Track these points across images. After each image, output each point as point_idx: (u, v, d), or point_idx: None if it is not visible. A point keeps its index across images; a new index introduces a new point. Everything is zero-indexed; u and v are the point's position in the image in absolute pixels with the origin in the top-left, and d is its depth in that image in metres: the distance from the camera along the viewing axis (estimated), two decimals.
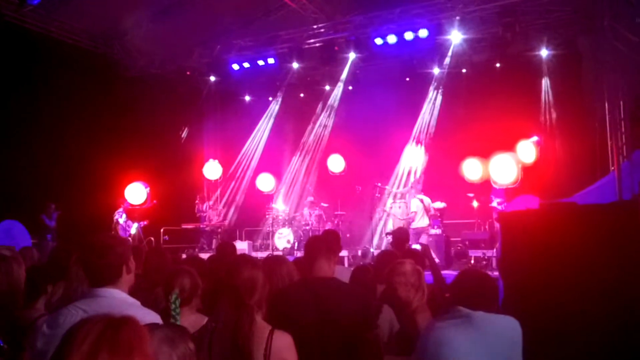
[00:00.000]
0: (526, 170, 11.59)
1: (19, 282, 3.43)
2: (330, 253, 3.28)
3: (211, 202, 15.37)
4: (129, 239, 12.78)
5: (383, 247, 11.79)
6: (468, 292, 2.89)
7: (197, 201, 14.63)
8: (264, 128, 15.87)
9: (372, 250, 11.62)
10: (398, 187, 13.57)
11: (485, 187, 12.19)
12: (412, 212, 11.88)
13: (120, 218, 12.83)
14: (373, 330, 3.14)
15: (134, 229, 12.88)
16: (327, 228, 12.93)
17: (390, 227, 12.31)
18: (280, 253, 12.61)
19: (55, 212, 11.57)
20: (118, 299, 2.45)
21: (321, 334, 2.94)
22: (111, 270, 2.50)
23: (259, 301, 2.58)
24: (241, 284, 2.58)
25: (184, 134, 15.35)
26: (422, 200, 11.85)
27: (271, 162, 15.83)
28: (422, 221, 11.68)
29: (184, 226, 14.21)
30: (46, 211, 11.48)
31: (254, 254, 13.32)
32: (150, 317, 2.38)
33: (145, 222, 13.05)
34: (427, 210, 11.77)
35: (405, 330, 3.25)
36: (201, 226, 14.60)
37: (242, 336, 2.45)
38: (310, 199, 14.30)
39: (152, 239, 13.08)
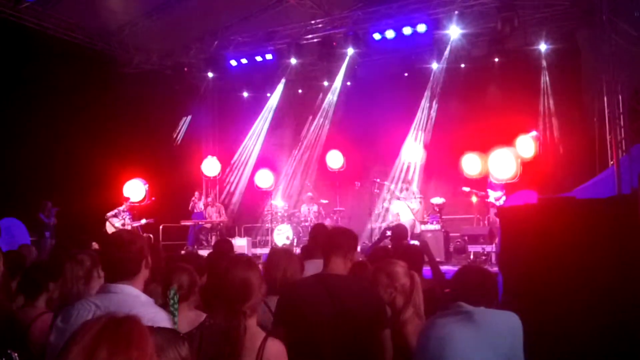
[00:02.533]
0: (525, 165, 11.58)
1: None
2: (349, 252, 3.26)
3: (210, 199, 15.35)
4: None
5: (381, 244, 11.78)
6: (468, 288, 2.88)
7: (194, 197, 14.56)
8: (262, 124, 15.84)
9: None
10: (396, 186, 13.52)
11: (484, 182, 12.18)
12: (395, 214, 12.03)
13: (125, 218, 12.83)
14: (386, 328, 3.12)
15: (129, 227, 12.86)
16: (326, 224, 12.91)
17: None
18: None
19: (53, 209, 11.54)
20: (131, 296, 2.43)
21: (334, 330, 2.93)
22: (131, 265, 2.48)
23: (252, 306, 2.53)
24: (233, 288, 2.53)
25: (181, 130, 15.32)
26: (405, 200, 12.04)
27: (270, 158, 15.81)
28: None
29: (183, 223, 14.18)
30: (43, 209, 11.44)
31: (253, 251, 13.34)
32: (160, 315, 2.37)
33: (151, 220, 13.02)
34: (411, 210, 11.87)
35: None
36: (200, 223, 14.59)
37: (231, 343, 2.41)
38: (309, 194, 14.29)
39: (151, 236, 13.06)
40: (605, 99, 9.75)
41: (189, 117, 15.64)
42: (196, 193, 14.71)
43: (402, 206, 12.08)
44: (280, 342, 2.52)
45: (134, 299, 2.42)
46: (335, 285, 3.09)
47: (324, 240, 3.43)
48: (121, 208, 12.90)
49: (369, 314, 3.03)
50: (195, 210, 14.55)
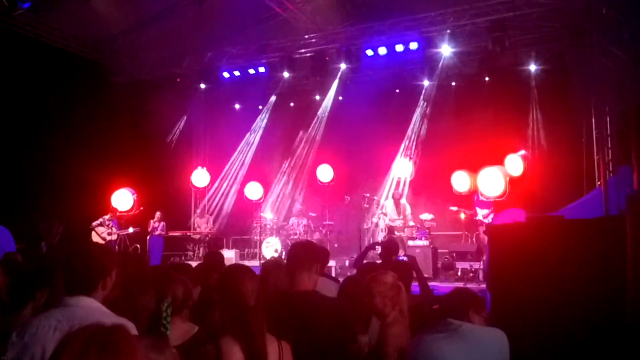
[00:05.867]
0: (513, 183, 11.66)
1: None
2: (312, 265, 3.23)
3: (199, 210, 15.28)
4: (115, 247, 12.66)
5: (370, 258, 11.81)
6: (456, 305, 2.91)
7: (154, 220, 13.75)
8: (253, 136, 15.85)
9: None
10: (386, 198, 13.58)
11: (471, 200, 12.26)
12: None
13: (112, 227, 12.67)
14: (352, 344, 3.11)
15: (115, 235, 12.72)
16: (315, 238, 12.93)
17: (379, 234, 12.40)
18: None
19: (59, 228, 11.19)
20: (92, 308, 2.39)
21: (300, 349, 2.90)
22: (88, 281, 2.44)
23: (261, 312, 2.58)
24: (245, 292, 2.56)
25: (172, 141, 15.26)
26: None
27: (260, 170, 15.79)
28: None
29: (171, 234, 14.10)
30: (48, 230, 11.00)
31: (241, 263, 13.26)
32: (128, 326, 2.34)
33: (138, 229, 12.90)
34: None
35: (378, 341, 3.24)
36: (188, 234, 14.51)
37: (258, 342, 2.44)
38: (299, 207, 14.29)
39: (138, 246, 12.97)
40: (593, 120, 9.88)
41: (180, 128, 15.61)
42: (157, 214, 13.83)
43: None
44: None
45: (96, 312, 2.37)
46: (299, 304, 3.05)
47: (287, 255, 3.43)
48: (106, 217, 12.77)
49: (334, 331, 3.00)
50: (154, 233, 13.68)
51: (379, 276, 3.41)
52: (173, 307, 2.74)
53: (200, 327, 3.09)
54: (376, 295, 3.28)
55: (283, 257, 12.82)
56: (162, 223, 13.86)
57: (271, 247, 13.39)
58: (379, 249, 7.13)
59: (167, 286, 3.13)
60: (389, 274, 3.43)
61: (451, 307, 2.92)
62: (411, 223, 12.36)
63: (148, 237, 13.55)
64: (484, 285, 8.29)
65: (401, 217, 12.33)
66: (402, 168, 13.98)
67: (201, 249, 14.05)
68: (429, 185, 13.73)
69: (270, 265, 3.83)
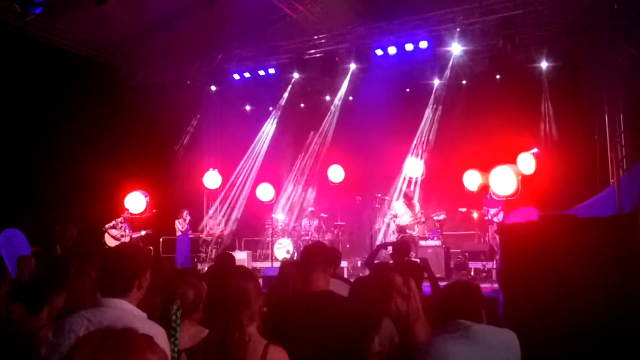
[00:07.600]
0: (525, 181, 11.59)
1: None
2: (327, 265, 3.26)
3: (211, 212, 15.33)
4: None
5: (382, 259, 11.79)
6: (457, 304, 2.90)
7: (182, 219, 13.77)
8: (264, 138, 15.87)
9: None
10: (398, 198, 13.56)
11: (480, 200, 12.19)
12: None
13: (124, 229, 12.73)
14: (369, 343, 3.12)
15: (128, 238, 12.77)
16: (327, 238, 12.93)
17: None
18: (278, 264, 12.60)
19: (73, 231, 11.19)
20: (124, 310, 2.41)
21: (317, 349, 2.90)
22: (123, 282, 2.46)
23: (251, 314, 2.53)
24: (230, 296, 2.53)
25: (183, 143, 15.33)
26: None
27: (271, 171, 15.81)
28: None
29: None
30: (63, 233, 10.94)
31: (253, 264, 13.33)
32: (155, 330, 2.36)
33: (150, 231, 12.94)
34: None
35: (404, 342, 3.24)
36: (200, 236, 14.56)
37: (228, 350, 2.40)
38: (311, 209, 14.29)
39: (151, 248, 13.02)
40: (606, 117, 9.79)
41: (191, 130, 15.69)
42: (185, 212, 13.82)
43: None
44: (282, 349, 2.51)
45: (127, 314, 2.40)
46: (316, 302, 3.07)
47: (301, 257, 3.44)
48: (119, 219, 12.85)
49: (351, 330, 3.01)
50: (186, 232, 13.68)
51: (390, 280, 3.42)
52: (183, 310, 2.73)
53: (209, 331, 3.09)
54: (390, 301, 3.29)
55: (295, 258, 12.85)
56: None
57: (283, 248, 13.40)
58: (390, 249, 7.11)
59: (177, 289, 3.13)
60: (397, 275, 3.43)
61: (460, 307, 2.90)
62: (422, 219, 12.28)
63: (176, 237, 13.63)
64: (497, 285, 8.25)
65: (411, 216, 12.27)
66: (413, 167, 13.94)
67: (213, 250, 14.10)
68: (440, 185, 13.67)
69: (287, 267, 3.85)
